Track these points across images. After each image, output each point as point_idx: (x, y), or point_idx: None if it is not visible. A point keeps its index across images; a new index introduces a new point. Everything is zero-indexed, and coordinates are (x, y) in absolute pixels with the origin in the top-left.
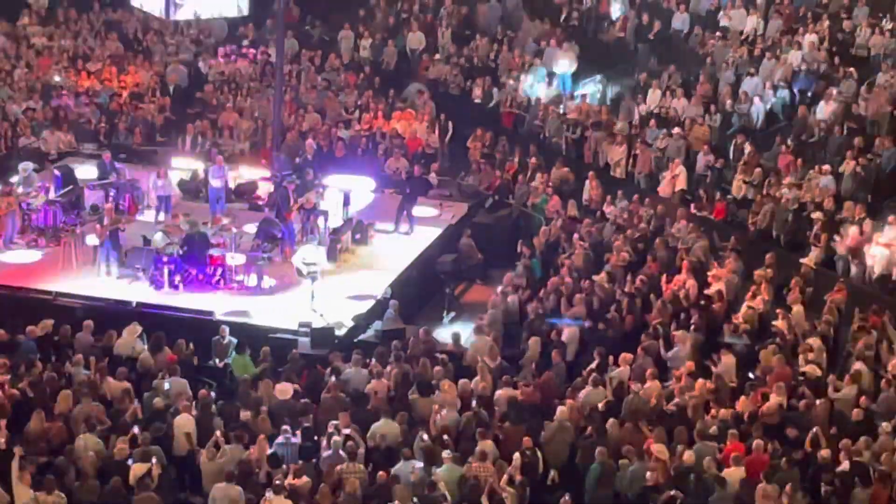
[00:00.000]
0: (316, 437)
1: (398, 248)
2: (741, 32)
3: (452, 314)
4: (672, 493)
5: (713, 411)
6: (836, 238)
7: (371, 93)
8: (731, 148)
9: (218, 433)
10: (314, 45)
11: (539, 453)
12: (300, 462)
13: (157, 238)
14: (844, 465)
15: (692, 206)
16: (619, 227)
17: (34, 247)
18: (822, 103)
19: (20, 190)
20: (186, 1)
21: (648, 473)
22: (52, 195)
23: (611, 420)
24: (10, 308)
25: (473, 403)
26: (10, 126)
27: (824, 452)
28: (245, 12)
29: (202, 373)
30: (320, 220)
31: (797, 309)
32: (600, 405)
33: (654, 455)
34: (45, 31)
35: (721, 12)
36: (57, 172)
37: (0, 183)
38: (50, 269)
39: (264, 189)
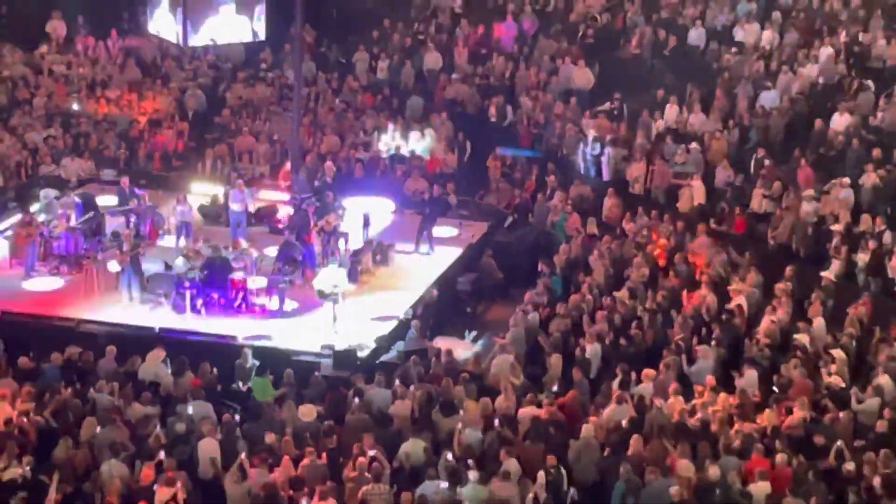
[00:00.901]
0: (340, 459)
1: (419, 268)
2: (757, 46)
3: (474, 333)
4: None
5: (737, 426)
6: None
7: (389, 114)
8: (752, 162)
9: (243, 456)
10: (331, 68)
11: (563, 471)
12: (326, 484)
13: (179, 263)
14: (876, 481)
15: (711, 220)
16: (638, 243)
17: (56, 274)
18: (835, 115)
19: (41, 217)
20: (202, 27)
21: (673, 489)
22: (72, 222)
23: (634, 436)
24: (33, 335)
25: (496, 422)
26: (31, 154)
27: (849, 465)
28: (262, 37)
29: (226, 397)
30: (341, 242)
31: (818, 322)
32: (624, 422)
33: (679, 471)
34: (64, 59)
35: (737, 27)
36: (77, 199)
37: (20, 212)
38: (72, 296)
39: (284, 212)
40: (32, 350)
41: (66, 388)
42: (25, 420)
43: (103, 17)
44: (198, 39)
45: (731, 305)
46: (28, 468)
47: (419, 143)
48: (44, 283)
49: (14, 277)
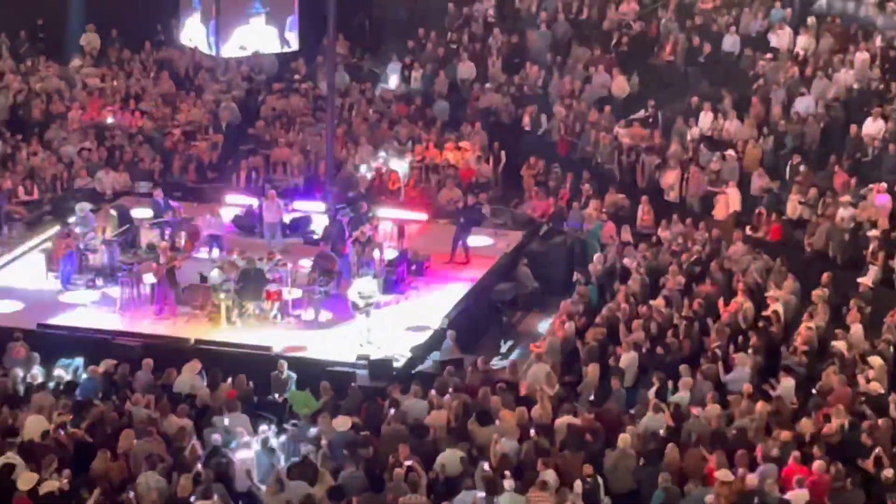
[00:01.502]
0: (377, 470)
1: (454, 278)
2: (792, 52)
3: (510, 343)
4: None
5: (775, 433)
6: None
7: (423, 124)
8: (787, 168)
9: (280, 468)
10: (364, 78)
11: (599, 480)
12: (363, 494)
13: (214, 275)
14: None
15: (747, 227)
16: (673, 251)
17: (92, 287)
18: (868, 120)
19: (77, 230)
20: (232, 37)
21: (710, 497)
22: (108, 235)
23: (671, 445)
24: (69, 348)
25: (532, 432)
26: (66, 167)
27: (888, 472)
28: (294, 47)
29: (262, 408)
30: (375, 253)
31: (856, 329)
32: (661, 430)
33: (718, 479)
34: (98, 71)
35: (771, 33)
36: (113, 212)
37: (58, 223)
38: (108, 308)
39: (319, 223)
40: None
41: (102, 401)
42: (62, 433)
43: (137, 29)
44: (228, 49)
45: (768, 312)
46: (65, 481)
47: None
48: (79, 295)
49: (51, 290)
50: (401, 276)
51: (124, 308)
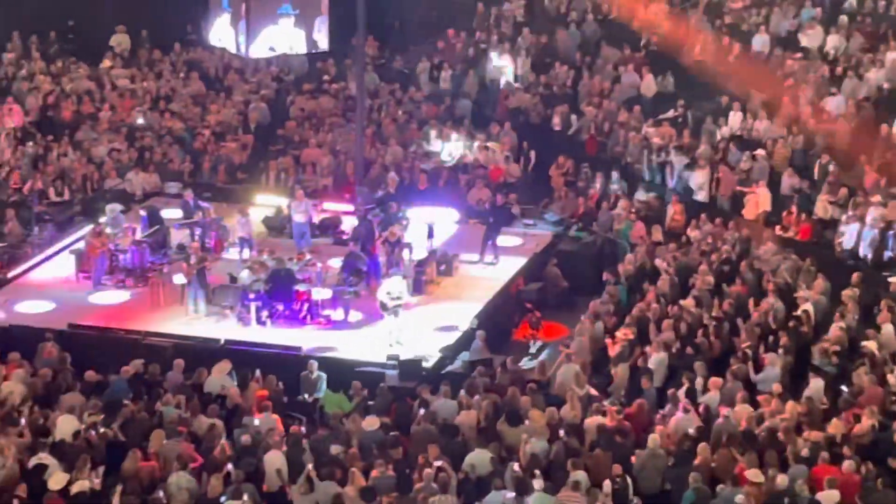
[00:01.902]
0: (407, 470)
1: (483, 278)
2: (822, 51)
3: (539, 343)
4: None
5: (805, 434)
6: None
7: (451, 124)
8: (816, 168)
9: (310, 468)
10: (393, 79)
11: (629, 480)
12: (393, 495)
13: (244, 275)
14: None
15: (777, 227)
16: (703, 251)
17: (122, 287)
18: None
19: (108, 231)
20: (260, 37)
21: (740, 497)
22: (138, 236)
23: (702, 445)
24: (100, 349)
25: (562, 432)
26: (96, 168)
27: None
28: (323, 47)
29: (291, 408)
30: (405, 253)
31: (887, 328)
32: (691, 431)
33: (748, 479)
34: (128, 72)
35: (801, 32)
36: (143, 213)
37: (88, 224)
38: (138, 309)
39: (348, 223)
40: (99, 363)
41: (133, 401)
42: (93, 433)
43: (167, 30)
44: (256, 49)
45: (799, 313)
46: (97, 481)
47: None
48: (110, 296)
49: (81, 291)
50: (429, 276)
51: (154, 307)
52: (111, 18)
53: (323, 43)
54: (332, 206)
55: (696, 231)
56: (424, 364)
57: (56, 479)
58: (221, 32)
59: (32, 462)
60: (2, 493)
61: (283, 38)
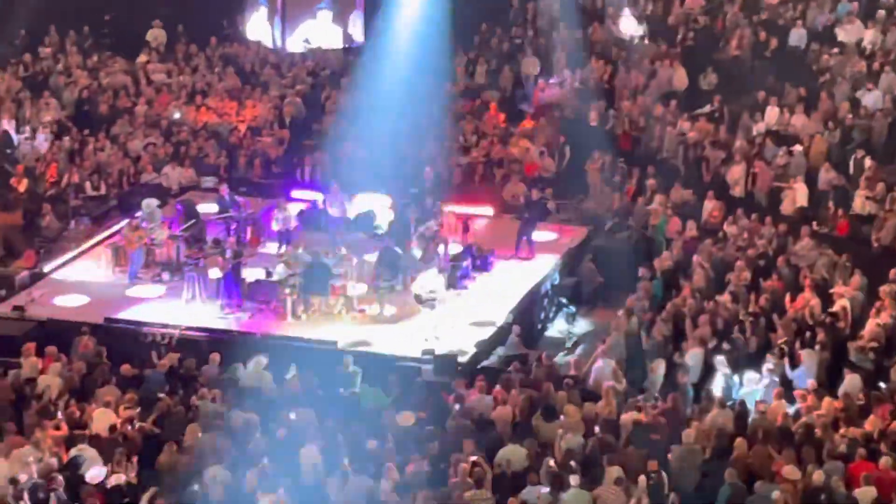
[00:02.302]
0: (442, 465)
1: (518, 273)
2: (859, 46)
3: (574, 338)
4: None
5: (842, 430)
6: None
7: (487, 118)
8: (852, 163)
9: (346, 462)
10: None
11: (664, 476)
12: (427, 489)
13: (279, 270)
14: None
15: (814, 223)
16: (739, 246)
17: (158, 281)
18: None
19: (144, 225)
20: (298, 31)
21: (777, 494)
22: (174, 230)
23: (738, 441)
24: (136, 343)
25: (597, 428)
26: (132, 162)
27: None
28: (358, 41)
29: (327, 402)
30: (440, 248)
31: None
32: (727, 426)
33: (785, 476)
34: (164, 67)
35: (838, 27)
36: (179, 207)
37: (124, 218)
38: (174, 302)
39: (384, 218)
40: (135, 357)
41: (169, 395)
42: (129, 427)
43: (203, 24)
44: (293, 43)
45: (835, 308)
46: (133, 474)
47: None
48: (146, 290)
49: (117, 285)
50: (465, 271)
51: (190, 303)
52: (147, 13)
53: (358, 36)
54: (367, 201)
55: (732, 226)
56: (460, 359)
57: (93, 473)
58: (258, 27)
59: (70, 455)
60: (40, 486)
61: (321, 32)
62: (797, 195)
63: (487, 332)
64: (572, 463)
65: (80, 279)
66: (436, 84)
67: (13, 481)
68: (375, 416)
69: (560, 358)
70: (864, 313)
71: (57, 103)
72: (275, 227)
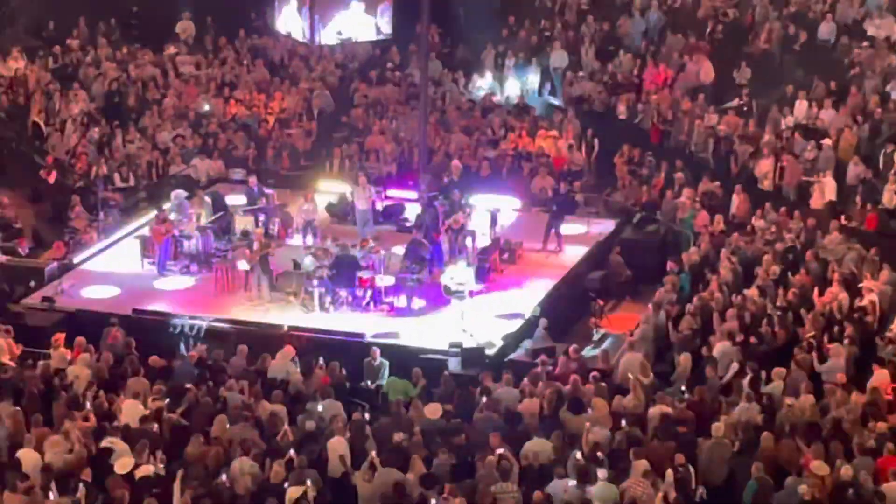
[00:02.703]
0: (469, 458)
1: (546, 266)
2: (889, 40)
3: (602, 332)
4: None
5: (870, 425)
6: None
7: (516, 112)
8: (881, 157)
9: (373, 454)
10: (457, 66)
11: (692, 470)
12: (454, 482)
13: (307, 262)
14: None
15: (843, 217)
16: (767, 240)
17: (186, 273)
18: None
19: (172, 217)
20: (331, 23)
21: (804, 488)
22: (203, 222)
23: (765, 434)
24: (164, 334)
25: (624, 421)
26: (161, 154)
27: None
28: (386, 32)
29: (354, 395)
30: (468, 241)
31: None
32: (754, 420)
33: (813, 471)
34: (193, 59)
35: (868, 20)
36: (207, 199)
37: (153, 210)
38: (202, 294)
39: (412, 210)
40: (164, 348)
41: (197, 387)
42: (158, 418)
43: (231, 16)
44: (326, 35)
45: (864, 303)
46: (161, 465)
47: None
48: (174, 281)
49: (146, 276)
50: (493, 264)
51: (218, 293)
52: (176, 5)
53: (385, 28)
54: (395, 194)
55: (760, 220)
56: (487, 352)
57: (121, 464)
58: (289, 19)
59: (98, 446)
60: (68, 476)
61: (353, 23)
62: (826, 189)
63: (515, 325)
64: (599, 455)
65: (109, 270)
66: (464, 77)
67: (42, 471)
68: (402, 408)
69: (587, 351)
70: (892, 308)
71: (86, 95)
72: (301, 218)
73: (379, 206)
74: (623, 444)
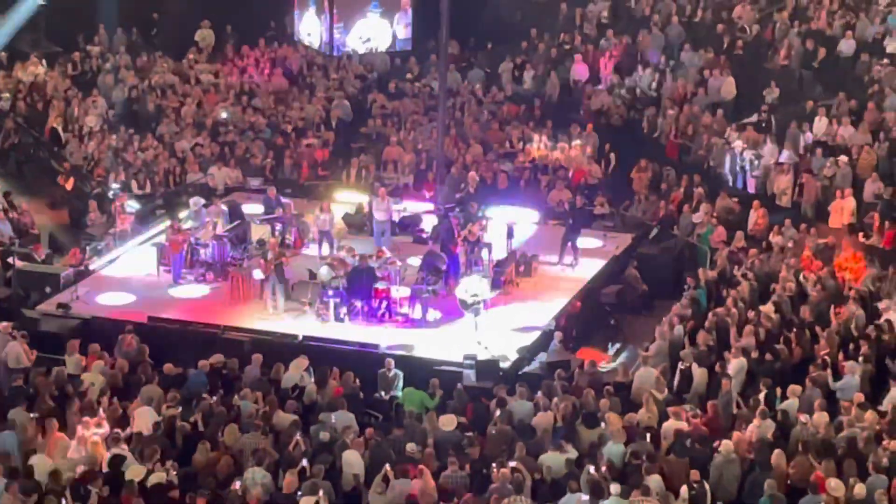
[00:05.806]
0: (483, 470)
1: (562, 279)
2: None
3: (618, 346)
4: None
5: (885, 443)
6: None
7: (533, 125)
8: None
9: (387, 467)
10: (476, 78)
11: (706, 486)
12: (468, 495)
13: (323, 272)
14: None
15: (860, 234)
16: (784, 256)
17: (202, 281)
18: None
19: (189, 225)
20: (351, 31)
21: None
22: (219, 230)
23: (777, 451)
24: (179, 342)
25: (637, 436)
26: (179, 162)
27: None
28: (403, 39)
29: (369, 406)
30: (484, 253)
31: None
32: (768, 437)
33: (828, 492)
34: (212, 67)
35: (888, 38)
36: (224, 207)
37: (169, 218)
38: (218, 303)
39: (428, 222)
40: (178, 356)
41: (210, 395)
42: (171, 425)
43: (251, 25)
44: (351, 40)
45: (881, 321)
46: (174, 472)
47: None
48: (190, 290)
49: (161, 284)
50: (508, 277)
51: (233, 302)
52: (196, 13)
53: (402, 35)
54: (412, 205)
55: (778, 236)
56: (502, 364)
57: (133, 471)
58: (308, 29)
59: (111, 453)
60: (81, 482)
61: (373, 32)
62: (844, 207)
63: (530, 338)
64: (612, 470)
65: (125, 277)
66: (483, 88)
67: (55, 477)
68: (417, 419)
69: (602, 365)
70: None
71: (104, 102)
72: (318, 228)
73: (396, 216)
74: (637, 459)
